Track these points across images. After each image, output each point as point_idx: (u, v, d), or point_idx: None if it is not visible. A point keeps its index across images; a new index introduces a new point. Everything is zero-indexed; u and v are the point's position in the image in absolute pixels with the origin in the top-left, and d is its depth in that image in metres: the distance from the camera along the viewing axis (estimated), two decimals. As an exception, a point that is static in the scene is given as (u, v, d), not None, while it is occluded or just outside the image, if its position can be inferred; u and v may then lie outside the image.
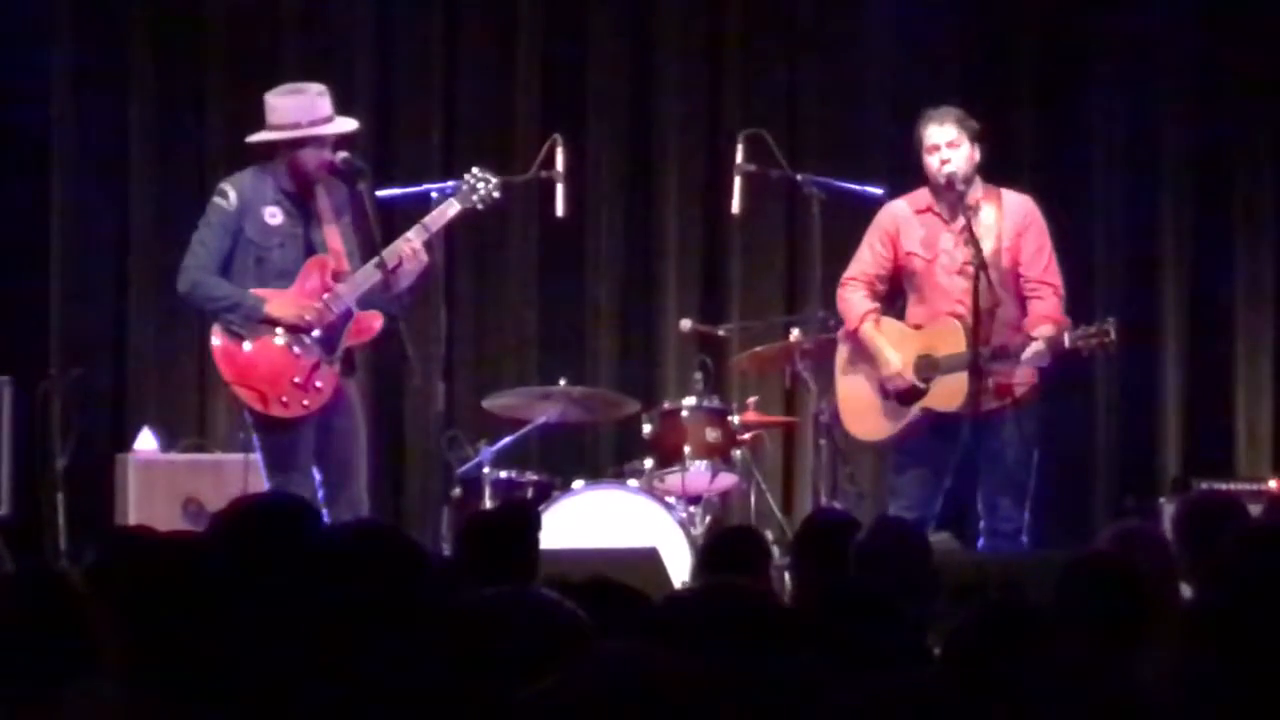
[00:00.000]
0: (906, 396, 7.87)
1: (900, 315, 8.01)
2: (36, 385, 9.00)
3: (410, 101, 10.04)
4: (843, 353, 8.09)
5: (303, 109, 7.60)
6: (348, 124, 7.71)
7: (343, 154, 7.66)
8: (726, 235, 10.07)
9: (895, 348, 7.88)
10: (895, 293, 8.06)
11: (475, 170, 7.88)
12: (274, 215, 7.63)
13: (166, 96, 9.85)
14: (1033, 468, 7.83)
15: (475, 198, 7.83)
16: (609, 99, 10.16)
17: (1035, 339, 7.64)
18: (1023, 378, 7.79)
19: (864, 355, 7.99)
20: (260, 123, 7.67)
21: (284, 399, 7.53)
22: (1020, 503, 7.77)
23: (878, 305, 7.97)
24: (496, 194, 7.87)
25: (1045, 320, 7.73)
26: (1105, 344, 7.68)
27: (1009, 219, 7.85)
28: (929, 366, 7.83)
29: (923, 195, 7.94)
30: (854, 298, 7.97)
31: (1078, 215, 10.13)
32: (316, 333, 7.57)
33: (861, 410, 8.01)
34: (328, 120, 7.62)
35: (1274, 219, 10.47)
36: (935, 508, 7.79)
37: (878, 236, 7.97)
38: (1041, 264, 7.86)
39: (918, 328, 7.91)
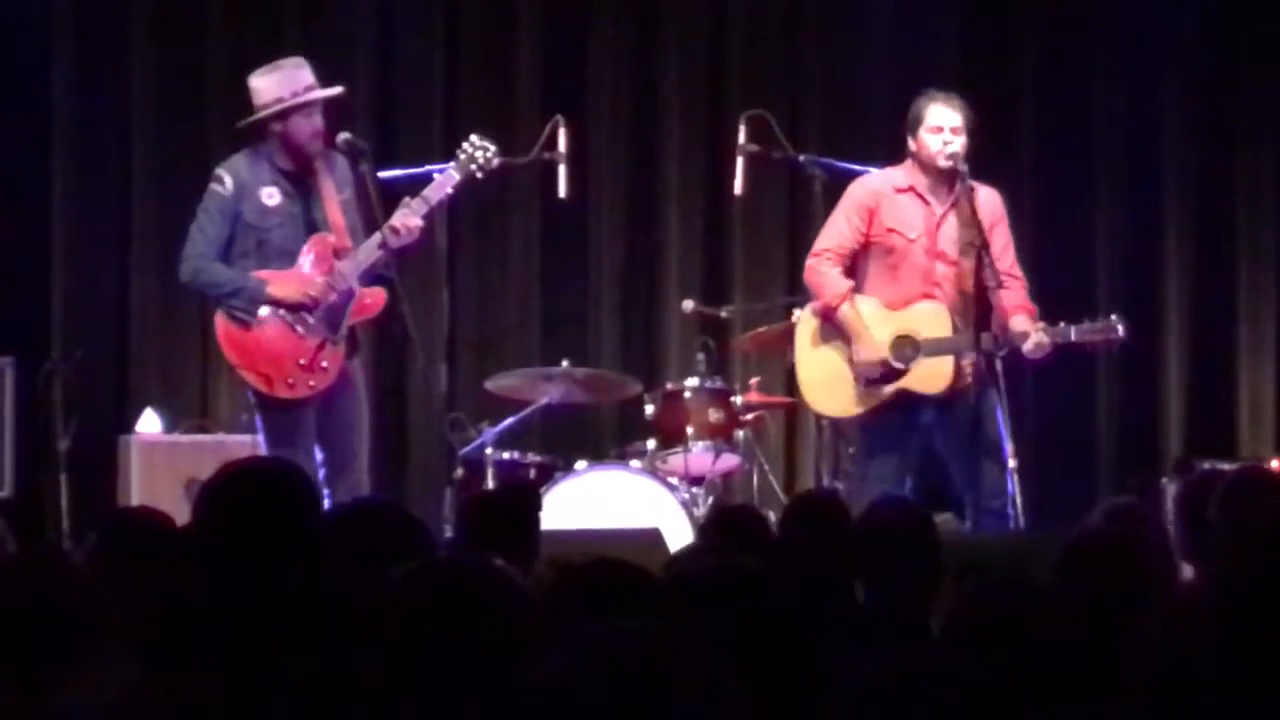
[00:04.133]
0: (883, 379, 7.80)
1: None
2: (39, 367, 9.00)
3: (412, 83, 10.03)
4: (810, 326, 7.94)
5: (284, 82, 7.62)
6: (332, 89, 7.71)
7: (344, 135, 7.67)
8: (729, 216, 10.07)
9: (872, 327, 7.81)
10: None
11: (474, 138, 7.86)
12: (271, 196, 7.63)
13: (167, 78, 9.85)
14: (1005, 437, 7.76)
15: (474, 166, 7.81)
16: (611, 80, 10.16)
17: (1033, 329, 7.63)
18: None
19: (835, 331, 7.90)
20: (252, 109, 7.69)
21: (290, 380, 7.54)
22: (1005, 475, 7.73)
23: (852, 284, 7.87)
24: (496, 161, 7.85)
25: (1020, 310, 7.74)
26: (1111, 340, 7.73)
27: (983, 211, 7.81)
28: (909, 347, 7.78)
29: (902, 174, 7.86)
30: (830, 272, 7.84)
31: (1080, 194, 10.14)
32: (320, 312, 7.58)
33: (829, 386, 7.90)
34: (310, 89, 7.63)
35: (1276, 196, 10.48)
36: (905, 490, 7.74)
37: (855, 210, 7.83)
38: (1010, 256, 7.89)
39: (890, 307, 7.85)
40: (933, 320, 7.74)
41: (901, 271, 7.81)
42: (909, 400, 7.76)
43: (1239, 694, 2.89)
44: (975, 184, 7.83)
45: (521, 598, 3.02)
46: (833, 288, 7.82)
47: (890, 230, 7.80)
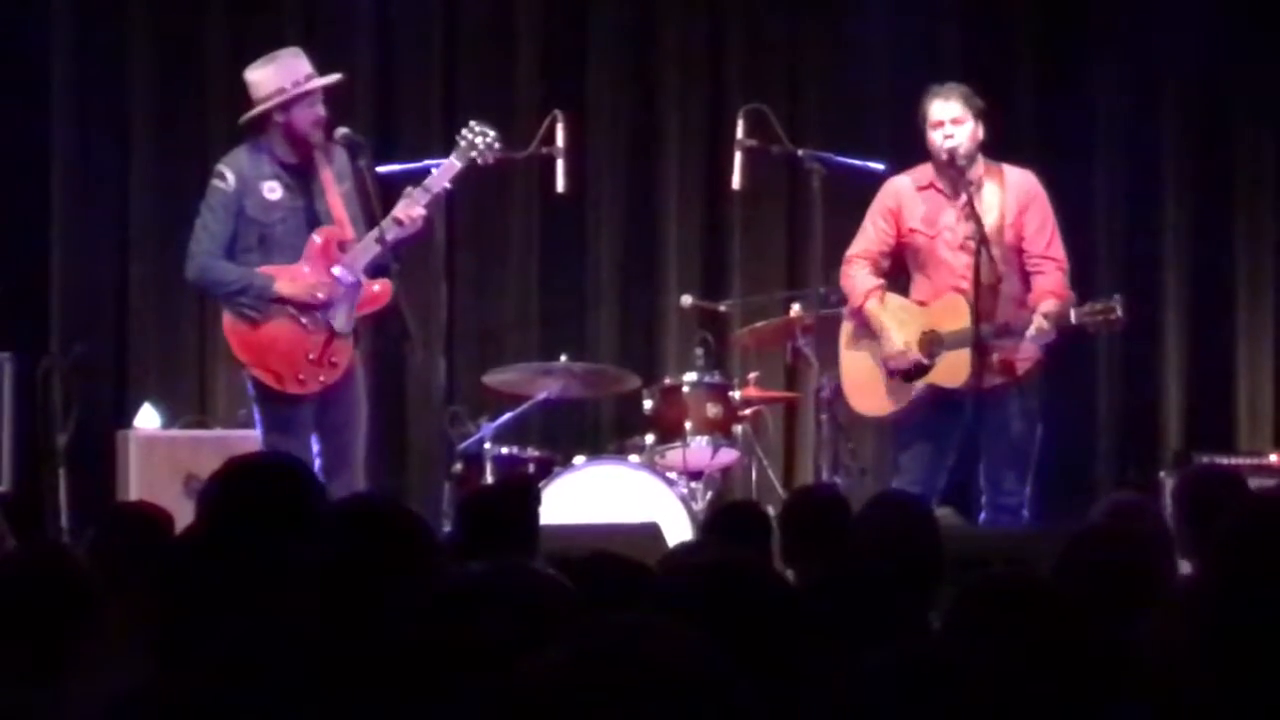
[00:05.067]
0: (911, 373, 7.88)
1: (904, 292, 8.01)
2: (37, 362, 8.99)
3: (411, 78, 10.02)
4: (846, 329, 8.09)
5: (283, 73, 7.60)
6: (331, 76, 7.70)
7: (343, 129, 7.66)
8: (727, 211, 10.07)
9: (900, 324, 7.88)
10: (898, 269, 8.06)
11: (473, 124, 7.83)
12: (273, 190, 7.61)
13: (167, 74, 9.84)
14: (1036, 442, 7.85)
15: (475, 153, 7.78)
16: (610, 75, 10.15)
17: (1039, 314, 7.63)
18: (1027, 353, 7.80)
19: (868, 332, 7.99)
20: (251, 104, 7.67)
21: (301, 376, 7.53)
22: (1023, 477, 7.79)
23: (882, 282, 7.96)
24: (497, 146, 7.82)
25: (1049, 295, 7.73)
26: (1112, 321, 7.69)
27: (1011, 195, 7.84)
28: (934, 343, 7.82)
29: (925, 171, 7.93)
30: (858, 275, 7.97)
31: (1079, 187, 10.12)
32: (327, 306, 7.57)
33: (865, 386, 8.02)
34: (310, 77, 7.61)
35: (1276, 191, 10.47)
36: (939, 484, 7.79)
37: (880, 213, 7.97)
38: (1044, 239, 7.86)
39: (922, 304, 7.91)
40: (952, 313, 7.78)
41: (930, 268, 7.88)
42: (940, 395, 7.80)
43: (1236, 688, 2.88)
44: (1006, 166, 7.89)
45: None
46: (859, 288, 7.92)
47: (913, 230, 7.89)
